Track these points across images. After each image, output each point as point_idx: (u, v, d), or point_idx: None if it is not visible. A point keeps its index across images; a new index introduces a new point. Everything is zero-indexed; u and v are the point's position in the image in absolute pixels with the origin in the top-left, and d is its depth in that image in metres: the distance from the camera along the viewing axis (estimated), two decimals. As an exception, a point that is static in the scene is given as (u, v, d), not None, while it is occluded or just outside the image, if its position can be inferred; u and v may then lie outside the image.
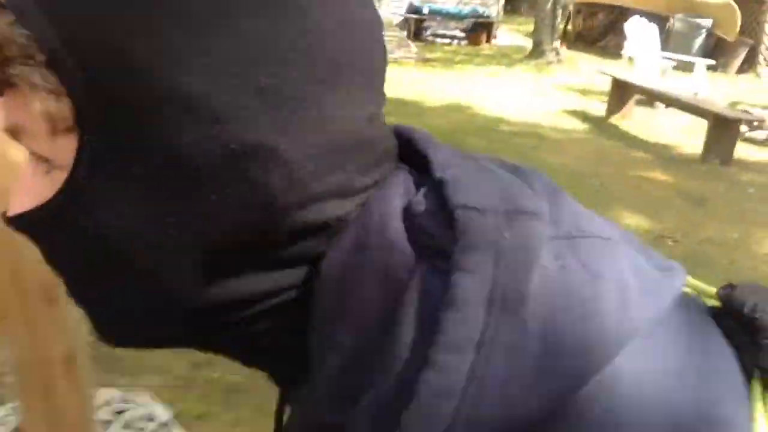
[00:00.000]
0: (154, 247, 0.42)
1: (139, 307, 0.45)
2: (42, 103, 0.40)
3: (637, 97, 7.58)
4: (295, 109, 0.41)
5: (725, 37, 11.19)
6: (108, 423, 1.95)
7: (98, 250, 0.43)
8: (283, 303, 0.45)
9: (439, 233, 0.42)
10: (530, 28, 12.86)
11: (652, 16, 9.83)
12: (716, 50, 11.28)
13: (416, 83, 8.95)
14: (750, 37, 11.31)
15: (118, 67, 0.38)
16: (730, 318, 0.42)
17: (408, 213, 0.44)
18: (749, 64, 11.49)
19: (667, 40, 10.90)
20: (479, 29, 13.05)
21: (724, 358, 0.41)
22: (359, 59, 0.44)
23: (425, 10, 13.07)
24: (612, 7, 13.02)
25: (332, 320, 0.43)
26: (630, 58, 9.15)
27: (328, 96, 0.42)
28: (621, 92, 7.56)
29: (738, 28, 11.08)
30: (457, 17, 13.13)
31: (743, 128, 6.66)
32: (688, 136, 6.97)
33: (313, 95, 0.42)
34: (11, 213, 0.45)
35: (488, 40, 12.97)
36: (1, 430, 1.74)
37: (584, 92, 9.01)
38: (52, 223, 0.43)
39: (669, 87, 7.57)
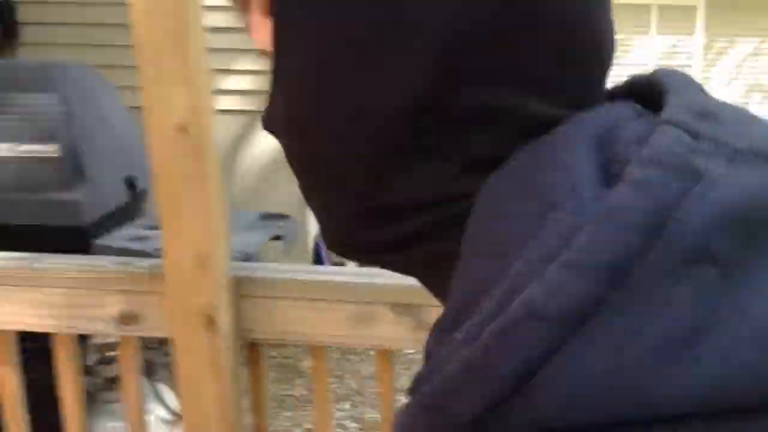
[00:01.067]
0: (338, 133, 0.39)
1: (331, 212, 0.43)
2: None
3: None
4: None
5: None
6: None
7: (297, 144, 0.42)
8: (445, 218, 0.38)
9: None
10: None
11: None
12: None
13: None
14: None
15: None
16: None
17: (612, 139, 0.34)
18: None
19: None
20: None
21: None
22: None
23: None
24: None
25: (466, 245, 0.36)
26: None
27: None
28: None
29: None
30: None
31: None
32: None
33: None
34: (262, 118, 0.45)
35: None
36: None
37: None
38: (276, 118, 0.42)
39: None
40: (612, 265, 0.28)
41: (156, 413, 2.23)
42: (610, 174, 0.32)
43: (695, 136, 0.30)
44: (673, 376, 0.27)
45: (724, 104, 0.35)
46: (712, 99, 0.35)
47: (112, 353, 2.18)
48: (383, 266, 0.45)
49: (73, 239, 1.89)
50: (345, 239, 0.44)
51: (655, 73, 0.38)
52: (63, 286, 1.30)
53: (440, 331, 0.35)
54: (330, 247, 0.46)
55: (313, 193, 0.44)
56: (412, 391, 0.34)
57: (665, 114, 0.32)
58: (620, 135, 0.34)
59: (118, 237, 1.95)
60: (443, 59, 0.36)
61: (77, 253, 1.53)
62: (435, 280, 0.41)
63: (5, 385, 1.42)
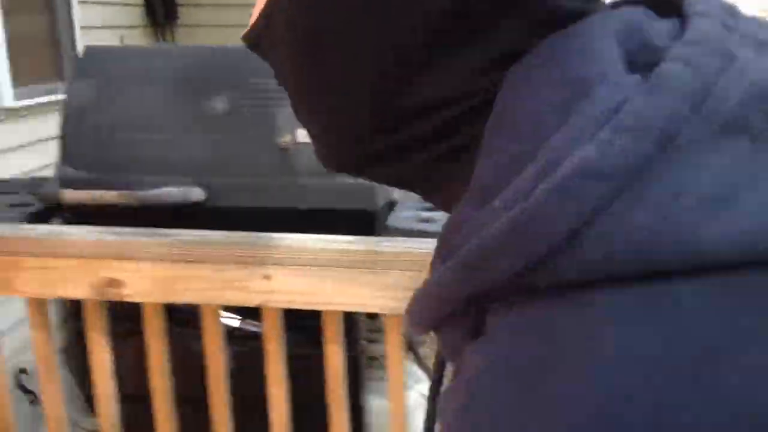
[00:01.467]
0: (347, 39, 0.39)
1: (337, 125, 0.42)
2: None
3: None
4: None
5: None
6: None
7: (297, 54, 0.41)
8: (468, 110, 0.39)
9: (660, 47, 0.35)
10: None
11: None
12: None
13: None
14: None
15: None
16: None
17: (634, 30, 0.36)
18: None
19: None
20: None
21: None
22: None
23: None
24: None
25: (491, 128, 0.37)
26: None
27: None
28: None
29: None
30: None
31: None
32: None
33: None
34: (243, 34, 0.45)
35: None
36: None
37: None
38: (265, 35, 0.43)
39: None
40: (662, 130, 0.30)
41: (417, 390, 2.27)
42: (637, 63, 0.35)
43: (727, 28, 0.34)
44: (710, 230, 0.29)
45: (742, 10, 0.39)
46: (731, 4, 0.38)
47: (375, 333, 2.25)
48: (380, 179, 0.45)
49: (365, 223, 1.95)
50: (350, 152, 0.43)
51: None
52: (403, 269, 1.32)
53: (463, 210, 0.36)
54: (328, 164, 0.46)
55: (314, 109, 0.43)
56: (440, 258, 0.36)
57: (699, 8, 0.36)
58: (649, 29, 0.36)
59: (400, 219, 1.98)
60: None
61: (367, 235, 1.56)
62: (437, 185, 0.43)
63: (331, 362, 1.47)
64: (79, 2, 4.34)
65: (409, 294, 1.35)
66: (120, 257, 1.44)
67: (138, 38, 5.20)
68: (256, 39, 0.45)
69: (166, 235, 1.46)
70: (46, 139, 3.86)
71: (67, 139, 2.04)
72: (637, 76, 0.33)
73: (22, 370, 3.02)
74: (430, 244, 1.42)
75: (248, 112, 1.96)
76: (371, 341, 2.33)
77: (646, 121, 0.31)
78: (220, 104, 1.98)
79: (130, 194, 1.89)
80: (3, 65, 3.42)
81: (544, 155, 0.33)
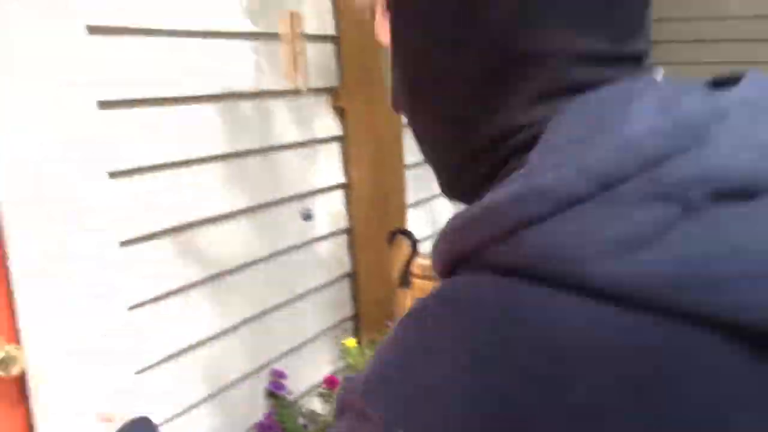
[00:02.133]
0: (443, 83, 0.48)
1: (443, 162, 0.52)
2: None
3: None
4: None
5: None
6: None
7: (415, 107, 0.52)
8: (526, 140, 0.46)
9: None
10: None
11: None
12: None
13: None
14: None
15: None
16: None
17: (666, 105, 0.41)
18: None
19: None
20: None
21: None
22: None
23: None
24: None
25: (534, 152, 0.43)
26: None
27: None
28: None
29: None
30: None
31: None
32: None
33: None
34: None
35: None
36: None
37: None
38: (399, 95, 0.53)
39: None
40: (599, 179, 0.37)
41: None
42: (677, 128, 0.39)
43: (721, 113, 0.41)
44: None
45: None
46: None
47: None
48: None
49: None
50: (456, 183, 0.52)
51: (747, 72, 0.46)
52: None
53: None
54: (447, 195, 0.54)
55: (427, 150, 0.53)
56: None
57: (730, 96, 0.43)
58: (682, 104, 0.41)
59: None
60: (511, 32, 0.45)
61: None
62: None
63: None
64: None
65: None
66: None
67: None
68: (394, 107, 0.56)
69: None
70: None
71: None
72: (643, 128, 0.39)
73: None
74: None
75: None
76: None
77: (591, 168, 0.38)
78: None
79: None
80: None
81: (529, 171, 0.41)
